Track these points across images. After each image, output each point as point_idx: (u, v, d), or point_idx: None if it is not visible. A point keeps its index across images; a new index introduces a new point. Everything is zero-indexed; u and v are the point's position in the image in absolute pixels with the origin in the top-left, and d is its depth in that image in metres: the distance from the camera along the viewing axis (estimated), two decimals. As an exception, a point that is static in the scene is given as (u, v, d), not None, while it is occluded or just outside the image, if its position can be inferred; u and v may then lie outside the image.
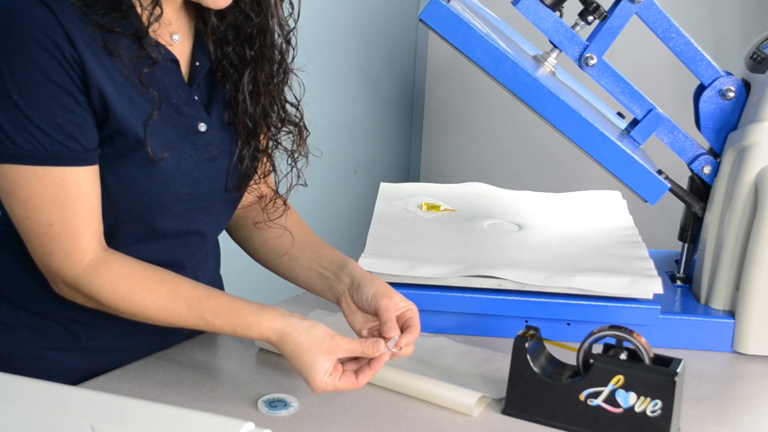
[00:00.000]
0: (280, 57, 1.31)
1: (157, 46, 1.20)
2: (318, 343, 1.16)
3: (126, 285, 1.19)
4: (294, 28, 1.31)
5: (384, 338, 1.20)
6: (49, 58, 1.12)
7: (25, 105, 1.12)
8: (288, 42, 1.31)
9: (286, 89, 1.34)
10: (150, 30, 1.18)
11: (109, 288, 1.19)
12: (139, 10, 1.18)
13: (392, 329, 1.22)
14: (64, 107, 1.13)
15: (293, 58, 1.33)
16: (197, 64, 1.27)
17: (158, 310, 1.19)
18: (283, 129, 1.34)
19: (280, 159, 1.37)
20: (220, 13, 1.27)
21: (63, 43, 1.12)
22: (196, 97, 1.26)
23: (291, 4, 1.29)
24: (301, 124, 1.35)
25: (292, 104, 1.35)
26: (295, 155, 1.34)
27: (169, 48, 1.23)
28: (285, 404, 1.22)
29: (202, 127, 1.26)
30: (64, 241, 1.17)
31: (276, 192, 1.37)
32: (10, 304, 1.28)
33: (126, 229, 1.24)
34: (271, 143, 1.35)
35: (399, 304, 1.25)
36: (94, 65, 1.14)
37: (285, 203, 1.38)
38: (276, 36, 1.29)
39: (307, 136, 1.36)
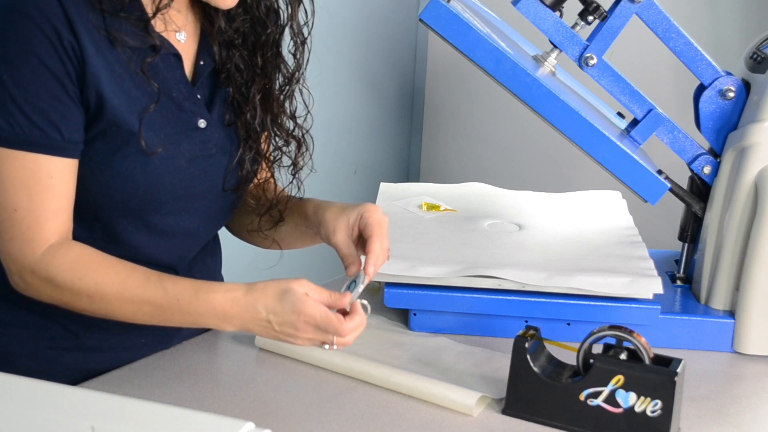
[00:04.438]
0: (293, 67, 1.31)
1: (160, 37, 1.20)
2: (286, 283, 1.16)
3: (84, 264, 1.17)
4: (306, 38, 1.31)
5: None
6: (45, 43, 1.11)
7: (12, 86, 1.11)
8: (301, 51, 1.31)
9: (294, 100, 1.34)
10: (155, 21, 1.18)
11: (66, 267, 1.16)
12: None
13: (351, 265, 1.25)
14: (51, 94, 1.13)
15: (304, 70, 1.33)
16: (201, 63, 1.27)
17: (116, 285, 1.16)
18: (287, 140, 1.35)
19: (284, 171, 1.37)
20: (228, 17, 1.27)
21: (63, 29, 1.11)
22: (199, 96, 1.26)
23: (306, 12, 1.29)
24: (305, 136, 1.35)
25: (296, 118, 1.35)
26: (298, 165, 1.35)
27: (173, 44, 1.23)
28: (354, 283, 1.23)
29: (202, 123, 1.26)
30: (27, 227, 1.16)
31: (274, 204, 1.37)
32: (10, 303, 1.28)
33: (121, 226, 1.24)
34: (272, 152, 1.36)
35: (353, 224, 1.26)
36: (93, 54, 1.14)
37: (281, 215, 1.37)
38: (287, 47, 1.30)
39: (306, 150, 1.36)
